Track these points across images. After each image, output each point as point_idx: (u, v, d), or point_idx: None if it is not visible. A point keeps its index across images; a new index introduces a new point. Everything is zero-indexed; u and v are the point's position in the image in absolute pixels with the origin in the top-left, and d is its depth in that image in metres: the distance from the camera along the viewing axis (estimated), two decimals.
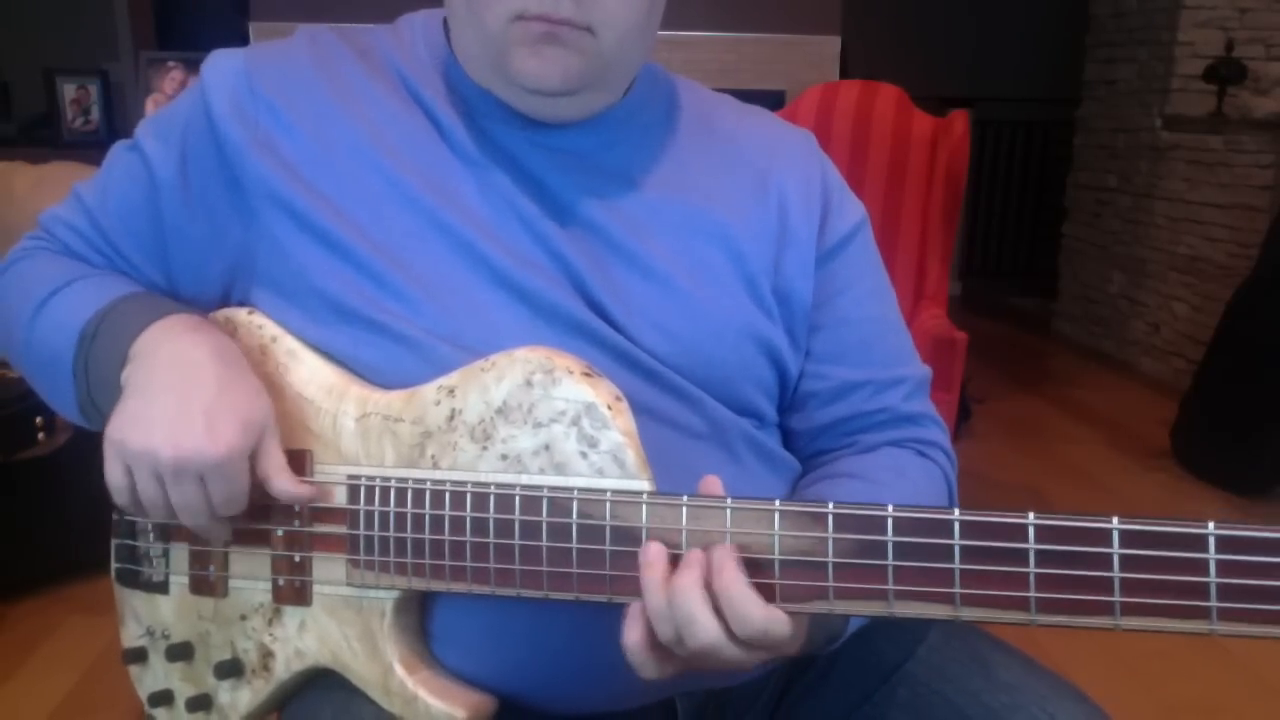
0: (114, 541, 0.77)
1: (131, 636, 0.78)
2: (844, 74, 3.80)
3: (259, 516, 0.68)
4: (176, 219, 0.74)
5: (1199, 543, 0.52)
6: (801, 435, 0.81)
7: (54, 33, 4.44)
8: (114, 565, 0.78)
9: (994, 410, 3.55)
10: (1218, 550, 0.52)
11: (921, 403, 0.82)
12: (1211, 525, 0.52)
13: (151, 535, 0.75)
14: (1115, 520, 0.53)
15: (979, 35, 5.82)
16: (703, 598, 0.57)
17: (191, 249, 0.74)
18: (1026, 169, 5.91)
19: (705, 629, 0.57)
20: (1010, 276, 5.93)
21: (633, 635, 0.60)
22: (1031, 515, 0.54)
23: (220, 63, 0.74)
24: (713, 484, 0.61)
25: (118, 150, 0.78)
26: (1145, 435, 3.33)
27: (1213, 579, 0.52)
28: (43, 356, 0.73)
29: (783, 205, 0.78)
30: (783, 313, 0.77)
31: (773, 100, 3.43)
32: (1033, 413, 3.65)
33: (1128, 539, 0.53)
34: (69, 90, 3.53)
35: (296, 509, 0.68)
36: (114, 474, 0.66)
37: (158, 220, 0.75)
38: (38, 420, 2.04)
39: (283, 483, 0.66)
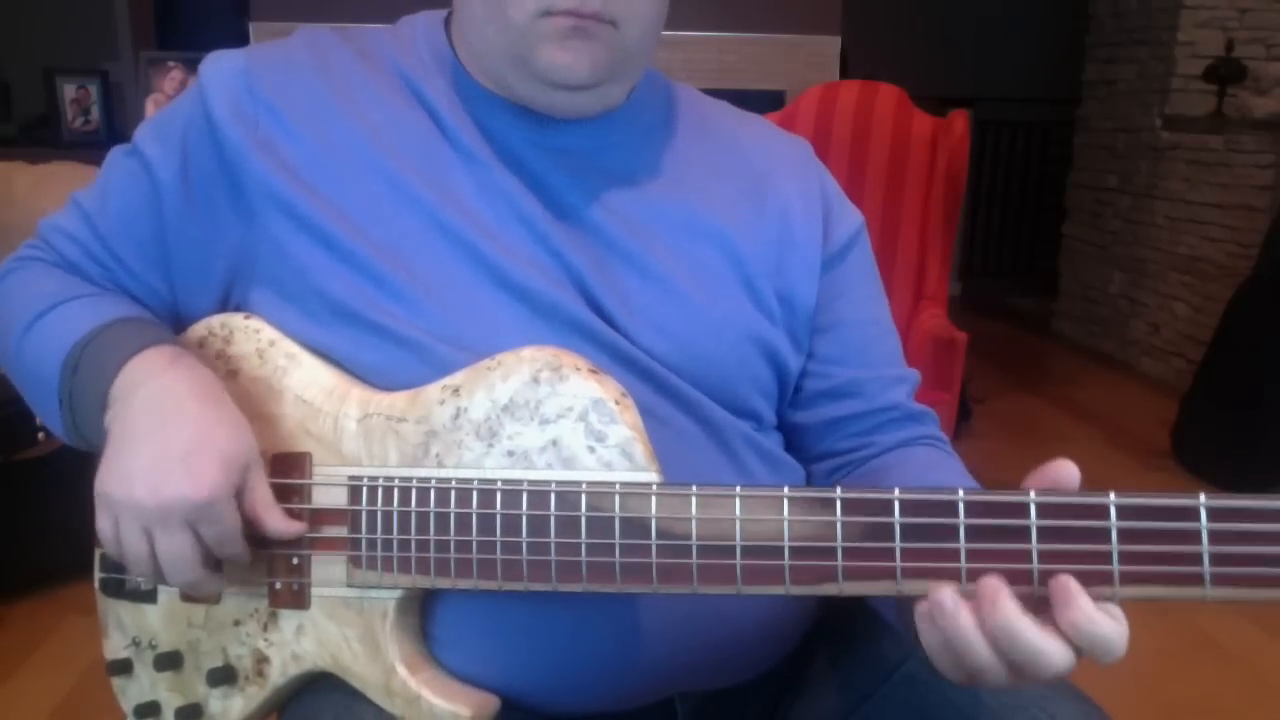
0: (99, 551, 0.76)
1: (115, 648, 0.76)
2: (844, 74, 3.80)
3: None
4: (178, 221, 0.74)
5: (1191, 513, 0.54)
6: (809, 431, 0.81)
7: (54, 33, 4.44)
8: (98, 575, 0.76)
9: (994, 410, 3.55)
10: (1209, 520, 0.54)
11: (917, 402, 0.84)
12: (1202, 497, 0.54)
13: None
14: (1112, 496, 0.55)
15: (979, 35, 5.82)
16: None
17: (193, 251, 0.74)
18: (1026, 169, 5.91)
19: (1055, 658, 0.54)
20: (1010, 276, 5.93)
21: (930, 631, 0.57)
22: (1032, 493, 0.56)
23: (219, 64, 0.74)
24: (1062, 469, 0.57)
25: (116, 156, 0.78)
26: (1145, 435, 3.33)
27: (1205, 548, 0.54)
28: (32, 378, 0.73)
29: (783, 210, 0.78)
30: (785, 315, 0.77)
31: (773, 100, 3.43)
32: (1033, 413, 3.65)
33: (1124, 512, 0.55)
34: (69, 90, 3.52)
35: (297, 506, 0.68)
36: (103, 527, 0.65)
37: (160, 224, 0.74)
38: (37, 420, 2.04)
39: (273, 520, 0.66)
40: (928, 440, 0.81)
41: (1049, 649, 0.54)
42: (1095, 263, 4.59)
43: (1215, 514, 0.54)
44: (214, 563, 0.66)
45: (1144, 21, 4.20)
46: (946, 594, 0.55)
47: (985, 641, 0.55)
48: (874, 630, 0.80)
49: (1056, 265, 4.96)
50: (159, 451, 0.63)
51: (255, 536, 0.67)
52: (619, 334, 0.71)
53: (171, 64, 3.10)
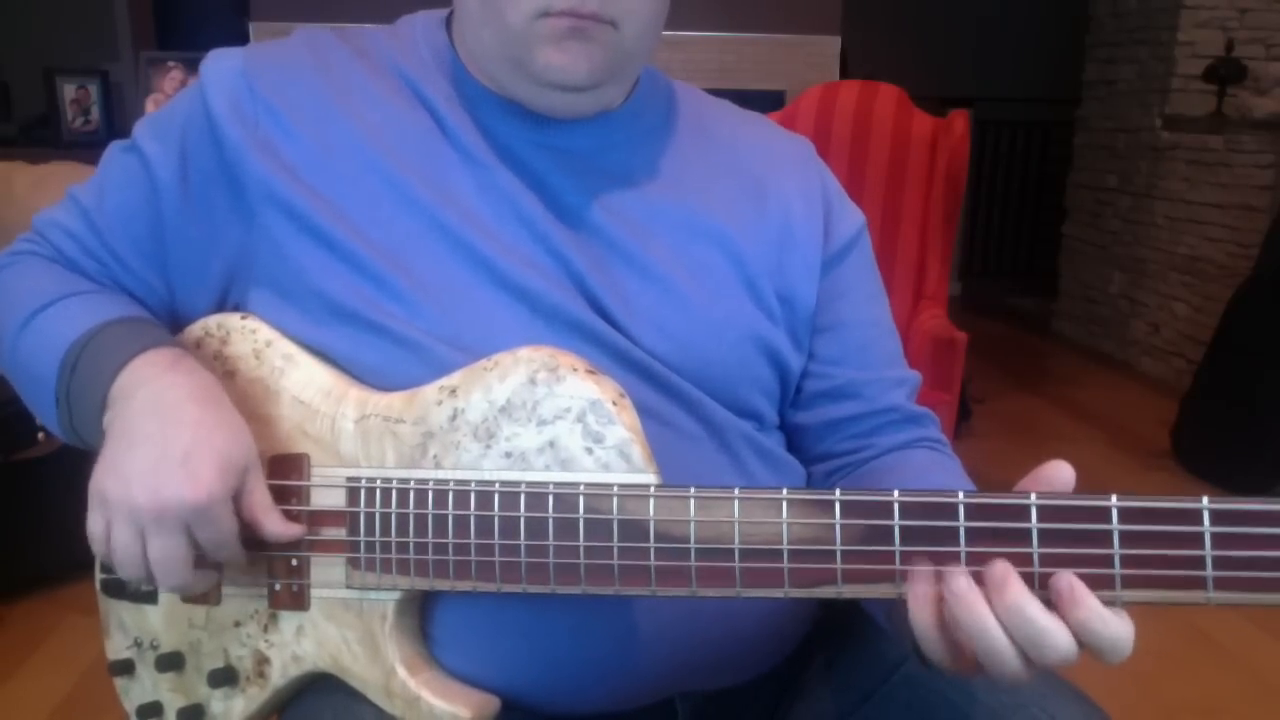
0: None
1: (118, 648, 0.76)
2: (844, 74, 3.80)
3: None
4: (177, 220, 0.73)
5: (1194, 517, 0.54)
6: (809, 432, 0.81)
7: (54, 33, 4.44)
8: (99, 576, 0.76)
9: (994, 410, 3.55)
10: (1212, 523, 0.54)
11: (917, 404, 0.83)
12: (1205, 500, 0.54)
13: None
14: (1114, 498, 0.55)
15: (979, 35, 5.82)
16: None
17: (191, 250, 0.74)
18: (1026, 169, 5.91)
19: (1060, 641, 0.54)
20: (1010, 276, 5.93)
21: (923, 615, 0.57)
22: (1033, 496, 0.56)
23: (219, 62, 0.73)
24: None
25: (114, 152, 0.77)
26: (1145, 435, 3.33)
27: (1208, 551, 0.54)
28: (27, 375, 0.73)
29: (784, 210, 0.78)
30: (785, 315, 0.77)
31: (773, 100, 3.43)
32: (1033, 413, 3.65)
33: (1126, 515, 0.55)
34: (69, 90, 3.52)
35: (295, 507, 0.68)
36: (94, 525, 0.64)
37: (158, 222, 0.74)
38: (37, 420, 2.04)
39: (272, 524, 0.65)
40: (927, 443, 0.81)
41: (1056, 630, 0.54)
42: (1095, 263, 4.59)
43: (1218, 517, 0.54)
44: (205, 565, 0.66)
45: (1144, 21, 4.20)
46: (961, 579, 0.55)
47: (998, 623, 0.54)
48: (874, 631, 0.80)
49: (1056, 265, 4.96)
50: (158, 453, 0.63)
51: (254, 539, 0.66)
52: (620, 334, 0.70)
53: (171, 64, 3.10)
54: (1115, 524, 0.55)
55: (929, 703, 0.74)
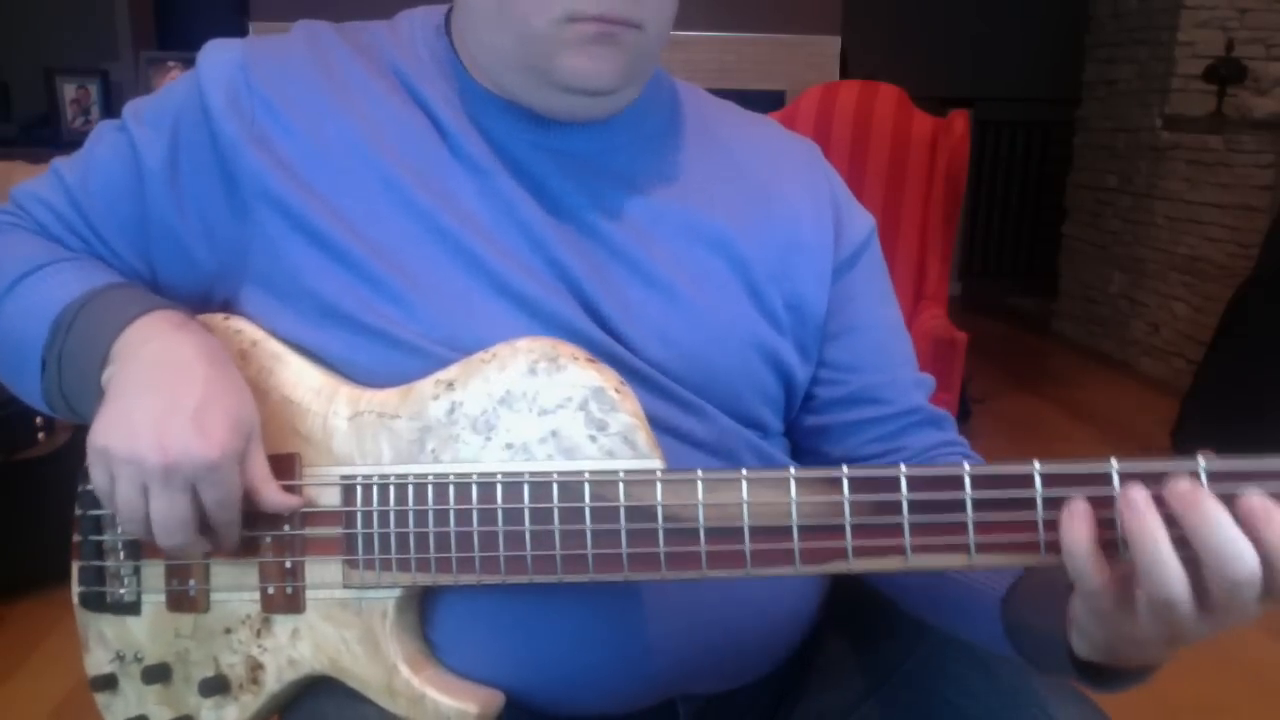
0: (77, 564, 0.73)
1: (98, 663, 0.74)
2: (844, 74, 3.80)
3: (243, 524, 0.66)
4: (161, 209, 0.72)
5: (1192, 478, 0.55)
6: (830, 432, 0.79)
7: (54, 33, 4.44)
8: (77, 589, 0.73)
9: (994, 410, 3.55)
10: (1210, 483, 0.55)
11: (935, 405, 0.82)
12: (1200, 460, 0.55)
13: (122, 554, 0.71)
14: (1114, 462, 0.56)
15: (979, 35, 5.82)
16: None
17: (176, 240, 0.73)
18: (1026, 169, 5.91)
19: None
20: (1010, 276, 5.93)
21: (1081, 530, 0.54)
22: (1036, 464, 0.57)
23: (217, 54, 0.72)
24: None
25: (104, 129, 0.76)
26: (1145, 435, 3.33)
27: None
28: (8, 340, 0.71)
29: (791, 215, 0.77)
30: (793, 323, 0.76)
31: (772, 100, 3.43)
32: (1033, 412, 3.65)
33: (1127, 479, 0.56)
34: (69, 90, 3.52)
35: (286, 514, 0.67)
36: (99, 481, 0.63)
37: (141, 207, 0.73)
38: (38, 420, 2.04)
39: (270, 493, 0.64)
40: (947, 447, 0.79)
41: (1243, 541, 0.51)
42: (1095, 263, 4.59)
43: (1215, 477, 0.55)
44: (205, 527, 0.64)
45: (1144, 21, 4.20)
46: (1139, 491, 0.53)
47: (1170, 543, 0.52)
48: (874, 631, 0.80)
49: (1056, 265, 4.96)
50: (167, 406, 0.61)
51: (247, 515, 0.65)
52: (616, 340, 0.69)
53: (171, 64, 3.10)
54: (1117, 488, 0.56)
55: (929, 703, 0.74)
